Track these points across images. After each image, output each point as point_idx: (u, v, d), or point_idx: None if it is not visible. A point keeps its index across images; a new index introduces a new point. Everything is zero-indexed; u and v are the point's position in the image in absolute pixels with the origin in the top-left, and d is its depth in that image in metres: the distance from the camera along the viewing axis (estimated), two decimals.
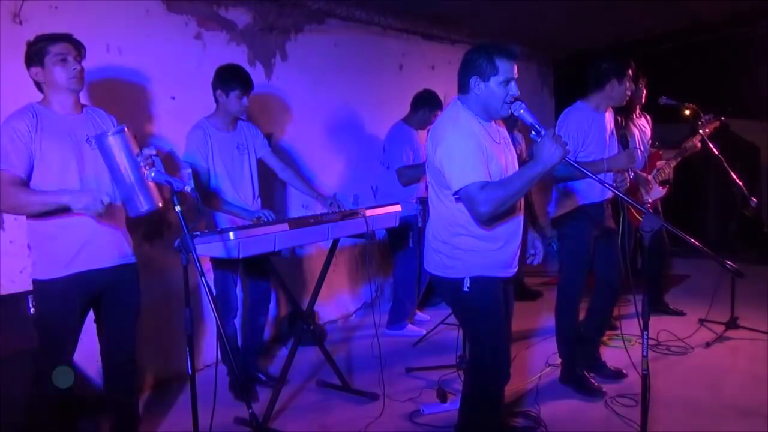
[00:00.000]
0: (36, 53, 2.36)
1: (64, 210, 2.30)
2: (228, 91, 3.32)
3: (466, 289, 2.36)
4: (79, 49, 2.43)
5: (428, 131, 2.91)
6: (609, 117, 3.42)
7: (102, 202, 2.25)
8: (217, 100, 3.38)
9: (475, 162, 2.24)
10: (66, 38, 2.40)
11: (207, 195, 3.32)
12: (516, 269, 2.50)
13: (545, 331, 4.34)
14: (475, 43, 2.65)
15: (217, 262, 3.37)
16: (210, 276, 3.47)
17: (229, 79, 3.34)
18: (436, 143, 2.33)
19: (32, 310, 2.68)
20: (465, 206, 2.29)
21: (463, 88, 2.36)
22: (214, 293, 3.44)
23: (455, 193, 2.28)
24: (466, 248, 2.37)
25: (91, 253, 2.43)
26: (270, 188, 4.11)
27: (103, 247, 2.46)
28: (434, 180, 2.41)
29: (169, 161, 3.64)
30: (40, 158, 2.33)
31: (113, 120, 2.59)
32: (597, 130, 3.32)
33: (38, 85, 2.42)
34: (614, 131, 3.42)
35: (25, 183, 2.33)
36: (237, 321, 3.56)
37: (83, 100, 2.55)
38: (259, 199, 3.53)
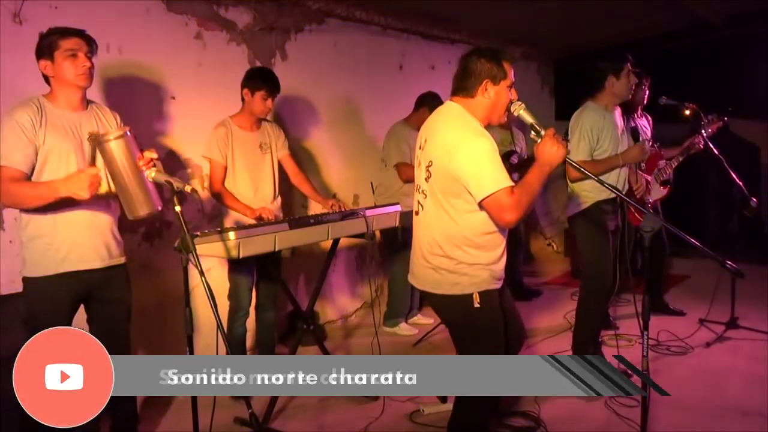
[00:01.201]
0: (47, 46, 2.35)
1: (62, 203, 2.29)
2: (254, 90, 3.36)
3: (477, 305, 2.23)
4: (91, 45, 2.42)
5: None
6: (618, 115, 3.48)
7: (93, 183, 2.22)
8: (243, 99, 3.41)
9: (502, 166, 2.17)
10: (79, 33, 2.40)
11: (220, 192, 3.36)
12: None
13: (545, 331, 4.35)
14: (475, 43, 2.65)
15: (231, 261, 3.38)
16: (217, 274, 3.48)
17: (257, 79, 3.38)
18: (452, 149, 2.16)
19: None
20: (491, 213, 2.17)
21: (468, 91, 2.27)
22: (228, 291, 3.47)
23: (481, 200, 2.15)
24: (470, 261, 2.24)
25: (80, 253, 2.42)
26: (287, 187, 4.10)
27: (92, 249, 2.46)
28: (441, 188, 2.23)
29: (170, 161, 3.64)
30: (41, 153, 2.32)
31: (118, 118, 2.58)
32: (610, 128, 3.37)
33: (46, 78, 2.41)
34: (624, 129, 3.49)
35: (28, 178, 2.32)
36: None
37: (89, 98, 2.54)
38: (279, 198, 3.55)
